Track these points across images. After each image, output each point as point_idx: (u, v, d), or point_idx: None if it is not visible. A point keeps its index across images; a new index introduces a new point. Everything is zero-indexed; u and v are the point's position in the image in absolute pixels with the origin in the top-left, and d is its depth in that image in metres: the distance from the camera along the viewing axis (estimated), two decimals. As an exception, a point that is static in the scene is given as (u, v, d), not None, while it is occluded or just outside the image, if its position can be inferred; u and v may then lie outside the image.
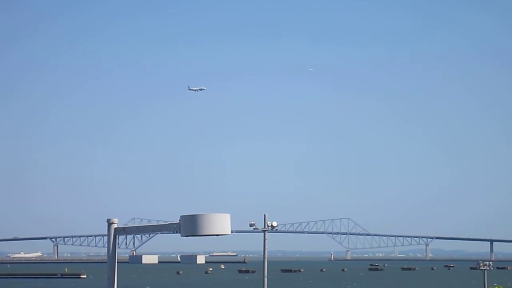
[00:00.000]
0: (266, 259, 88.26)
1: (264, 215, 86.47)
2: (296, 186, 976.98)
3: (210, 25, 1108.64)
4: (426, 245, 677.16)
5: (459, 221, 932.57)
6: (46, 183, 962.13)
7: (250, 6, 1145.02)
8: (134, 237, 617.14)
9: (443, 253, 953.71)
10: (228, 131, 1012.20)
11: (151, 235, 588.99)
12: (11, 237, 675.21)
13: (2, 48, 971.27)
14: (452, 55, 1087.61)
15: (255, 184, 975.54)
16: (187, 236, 21.68)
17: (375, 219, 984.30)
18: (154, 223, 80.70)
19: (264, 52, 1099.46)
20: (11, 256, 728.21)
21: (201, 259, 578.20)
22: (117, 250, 22.72)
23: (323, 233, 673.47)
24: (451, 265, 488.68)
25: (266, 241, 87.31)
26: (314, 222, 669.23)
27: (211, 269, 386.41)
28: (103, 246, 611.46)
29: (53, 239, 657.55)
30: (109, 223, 22.70)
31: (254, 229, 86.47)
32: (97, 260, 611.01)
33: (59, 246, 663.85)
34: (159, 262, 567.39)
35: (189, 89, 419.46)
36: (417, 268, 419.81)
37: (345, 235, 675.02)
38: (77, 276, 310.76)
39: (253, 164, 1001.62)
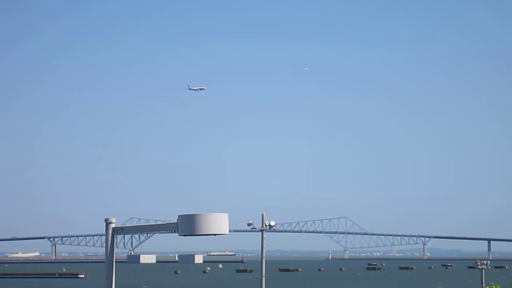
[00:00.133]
0: (264, 259, 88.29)
1: (262, 215, 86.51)
2: (294, 186, 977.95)
3: (210, 25, 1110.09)
4: (424, 244, 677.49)
5: (458, 221, 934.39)
6: (45, 183, 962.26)
7: (250, 6, 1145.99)
8: (132, 236, 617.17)
9: (441, 252, 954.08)
10: (227, 131, 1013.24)
11: (149, 235, 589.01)
12: (9, 236, 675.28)
13: (2, 48, 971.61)
14: (460, 54, 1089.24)
15: (253, 183, 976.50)
16: (185, 235, 21.71)
17: (372, 218, 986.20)
18: (152, 222, 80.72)
19: (264, 52, 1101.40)
20: (9, 256, 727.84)
21: (199, 259, 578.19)
22: (115, 250, 22.75)
23: (321, 232, 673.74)
24: (449, 264, 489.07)
25: (264, 240, 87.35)
26: (312, 222, 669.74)
27: (209, 268, 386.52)
28: (101, 246, 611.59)
29: (51, 239, 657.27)
30: (107, 222, 22.73)
31: (252, 228, 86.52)
32: (95, 259, 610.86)
33: (57, 245, 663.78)
34: (157, 261, 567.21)
35: (189, 88, 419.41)
36: (415, 268, 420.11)
37: (343, 235, 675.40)
38: (75, 276, 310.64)
39: (251, 164, 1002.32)
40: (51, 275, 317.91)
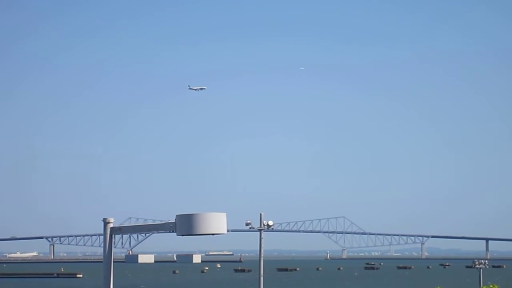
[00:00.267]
0: (262, 258, 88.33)
1: (260, 214, 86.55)
2: (293, 185, 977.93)
3: (210, 24, 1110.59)
4: (422, 244, 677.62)
5: (457, 221, 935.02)
6: (43, 182, 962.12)
7: (250, 5, 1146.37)
8: (130, 236, 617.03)
9: (439, 252, 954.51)
10: (226, 131, 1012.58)
11: (147, 235, 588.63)
12: (7, 236, 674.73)
13: (2, 48, 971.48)
14: (460, 54, 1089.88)
15: (252, 183, 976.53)
16: (183, 235, 21.74)
17: (371, 218, 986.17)
18: (150, 222, 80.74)
19: (264, 52, 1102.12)
20: (7, 255, 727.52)
21: (197, 258, 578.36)
22: (113, 250, 22.78)
23: (319, 232, 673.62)
24: (447, 263, 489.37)
25: (262, 240, 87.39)
26: (310, 221, 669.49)
27: (207, 268, 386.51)
28: (99, 246, 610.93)
29: (49, 239, 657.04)
30: (105, 222, 22.75)
31: (250, 228, 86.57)
32: (93, 259, 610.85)
33: (55, 245, 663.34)
34: (155, 261, 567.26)
35: (190, 88, 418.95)
36: (413, 267, 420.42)
37: (341, 234, 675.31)
38: (73, 275, 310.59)
39: (250, 163, 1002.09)
40: (49, 275, 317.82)
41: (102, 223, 22.73)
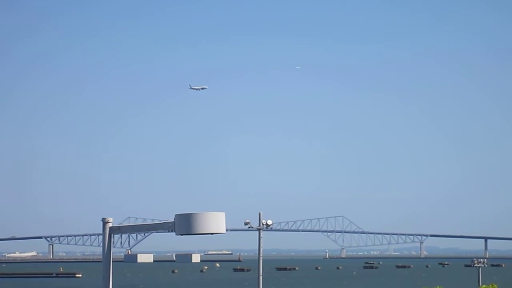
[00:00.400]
0: (261, 258, 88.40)
1: (259, 214, 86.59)
2: (292, 185, 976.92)
3: (210, 24, 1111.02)
4: (421, 242, 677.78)
5: (456, 221, 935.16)
6: (43, 182, 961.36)
7: (252, 4, 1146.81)
8: (129, 236, 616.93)
9: (438, 250, 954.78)
10: (226, 130, 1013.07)
11: (146, 234, 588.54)
12: (6, 236, 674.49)
13: (2, 48, 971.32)
14: (462, 52, 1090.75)
15: (251, 182, 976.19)
16: (182, 234, 21.77)
17: (369, 217, 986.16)
18: (149, 222, 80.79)
19: (265, 51, 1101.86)
20: (6, 255, 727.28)
21: (196, 258, 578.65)
22: (112, 249, 22.80)
23: (318, 231, 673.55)
24: (446, 262, 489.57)
25: (261, 239, 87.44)
26: (309, 221, 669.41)
27: (206, 267, 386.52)
28: (98, 245, 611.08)
29: (48, 239, 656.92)
30: (104, 222, 22.77)
31: (249, 227, 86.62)
32: (93, 259, 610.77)
33: (54, 245, 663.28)
34: (154, 261, 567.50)
35: (191, 88, 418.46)
36: (412, 266, 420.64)
37: (340, 233, 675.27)
38: (72, 275, 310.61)
39: (250, 163, 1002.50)
40: (48, 275, 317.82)
41: (101, 223, 22.76)
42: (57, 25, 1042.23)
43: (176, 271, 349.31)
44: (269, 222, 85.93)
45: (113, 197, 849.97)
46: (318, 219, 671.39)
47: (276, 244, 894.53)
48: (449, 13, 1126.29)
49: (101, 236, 23.04)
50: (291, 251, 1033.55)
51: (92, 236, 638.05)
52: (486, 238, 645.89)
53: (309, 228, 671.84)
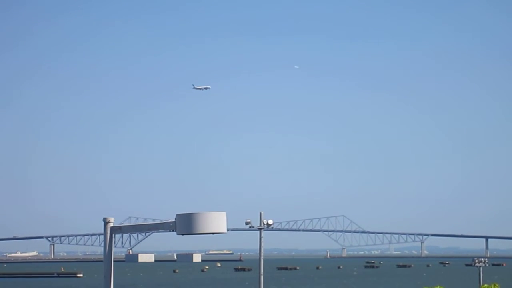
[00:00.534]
0: (262, 257, 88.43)
1: (260, 213, 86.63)
2: (292, 184, 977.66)
3: (211, 23, 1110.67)
4: (422, 242, 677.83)
5: (457, 220, 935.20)
6: (43, 182, 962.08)
7: (252, 4, 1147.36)
8: (130, 236, 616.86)
9: (439, 250, 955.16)
10: (227, 130, 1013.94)
11: (147, 234, 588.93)
12: (7, 236, 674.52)
13: (2, 48, 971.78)
14: (467, 52, 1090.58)
15: (252, 182, 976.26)
16: (183, 234, 21.81)
17: (370, 216, 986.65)
18: (150, 221, 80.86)
19: (265, 50, 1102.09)
20: (8, 255, 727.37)
21: (197, 258, 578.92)
22: (114, 249, 22.85)
23: (318, 231, 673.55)
24: (447, 262, 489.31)
25: (262, 239, 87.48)
26: (310, 220, 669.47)
27: (207, 267, 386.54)
28: (100, 245, 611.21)
29: (50, 238, 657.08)
30: (105, 222, 22.82)
31: (250, 227, 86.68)
32: (94, 259, 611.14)
33: (55, 245, 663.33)
34: (155, 260, 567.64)
35: (194, 88, 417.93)
36: (412, 265, 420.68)
37: (341, 233, 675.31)
38: (73, 275, 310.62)
39: (250, 162, 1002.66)
40: (49, 275, 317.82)
41: (102, 223, 22.81)
42: (57, 25, 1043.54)
43: (177, 270, 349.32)
44: (270, 221, 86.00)
45: (114, 197, 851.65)
46: (319, 218, 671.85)
47: (277, 244, 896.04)
48: (455, 13, 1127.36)
49: (102, 236, 23.09)
50: (292, 251, 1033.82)
51: (93, 236, 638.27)
52: (487, 238, 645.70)
53: (310, 227, 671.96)
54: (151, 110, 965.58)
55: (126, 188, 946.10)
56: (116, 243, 23.55)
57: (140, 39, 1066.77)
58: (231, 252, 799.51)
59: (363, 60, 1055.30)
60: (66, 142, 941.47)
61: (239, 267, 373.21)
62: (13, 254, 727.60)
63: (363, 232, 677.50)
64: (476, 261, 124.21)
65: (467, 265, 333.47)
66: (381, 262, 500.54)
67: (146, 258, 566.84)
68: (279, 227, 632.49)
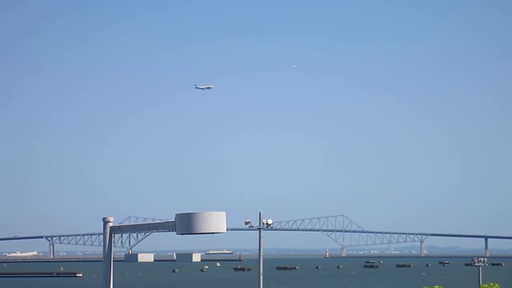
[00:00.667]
0: (261, 257, 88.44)
1: (260, 213, 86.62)
2: (292, 184, 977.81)
3: (211, 23, 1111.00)
4: (421, 242, 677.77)
5: (456, 220, 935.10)
6: (43, 182, 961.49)
7: (253, 3, 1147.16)
8: (129, 235, 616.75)
9: (438, 250, 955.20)
10: (226, 130, 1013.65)
11: (146, 234, 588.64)
12: (7, 236, 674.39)
13: (2, 47, 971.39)
14: (467, 51, 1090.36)
15: (251, 182, 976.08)
16: (182, 234, 21.82)
17: (370, 216, 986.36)
18: (150, 221, 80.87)
19: (265, 50, 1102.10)
20: (7, 255, 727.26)
21: (196, 257, 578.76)
22: (113, 249, 22.85)
23: (318, 230, 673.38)
24: (446, 261, 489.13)
25: (262, 239, 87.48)
26: (309, 220, 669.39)
27: (206, 267, 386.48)
28: (99, 245, 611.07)
29: (49, 238, 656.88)
30: (105, 221, 22.83)
31: (250, 227, 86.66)
32: (93, 258, 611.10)
33: (55, 245, 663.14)
34: (154, 260, 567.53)
35: (196, 87, 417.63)
36: (412, 265, 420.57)
37: (340, 233, 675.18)
38: (73, 275, 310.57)
39: (250, 162, 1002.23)
40: (49, 274, 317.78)
41: (102, 222, 22.81)
42: (58, 24, 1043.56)
43: (176, 270, 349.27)
44: (270, 221, 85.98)
45: (114, 196, 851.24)
46: (319, 218, 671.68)
47: (277, 244, 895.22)
48: (456, 12, 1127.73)
49: (101, 236, 23.11)
50: (291, 251, 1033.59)
51: (93, 236, 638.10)
52: (486, 237, 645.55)
53: (309, 227, 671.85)
54: (150, 110, 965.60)
55: (125, 188, 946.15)
56: (115, 242, 23.53)
57: (140, 38, 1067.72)
58: (230, 252, 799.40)
59: (363, 60, 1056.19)
60: (66, 142, 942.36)
61: (239, 266, 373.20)
62: (12, 254, 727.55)
63: (363, 231, 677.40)
64: (476, 260, 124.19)
65: (466, 264, 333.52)
66: (381, 261, 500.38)
67: (145, 257, 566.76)
68: (278, 226, 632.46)
